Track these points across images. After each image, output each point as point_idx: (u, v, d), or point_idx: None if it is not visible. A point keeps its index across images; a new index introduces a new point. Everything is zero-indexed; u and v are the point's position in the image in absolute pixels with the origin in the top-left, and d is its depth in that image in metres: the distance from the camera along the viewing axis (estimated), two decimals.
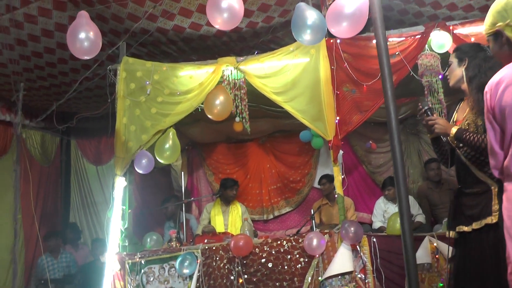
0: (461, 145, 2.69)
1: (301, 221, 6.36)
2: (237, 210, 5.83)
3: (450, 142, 2.76)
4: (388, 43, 4.30)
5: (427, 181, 5.84)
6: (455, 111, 2.90)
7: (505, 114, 1.91)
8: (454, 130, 2.68)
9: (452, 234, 2.79)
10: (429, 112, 2.80)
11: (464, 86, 2.78)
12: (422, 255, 4.01)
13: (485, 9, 4.66)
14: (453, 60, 2.85)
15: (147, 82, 4.63)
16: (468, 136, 2.60)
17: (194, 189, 6.85)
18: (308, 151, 6.52)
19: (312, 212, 4.84)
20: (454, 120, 2.85)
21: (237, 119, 4.61)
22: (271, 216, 6.62)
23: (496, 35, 2.02)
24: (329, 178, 5.81)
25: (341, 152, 4.49)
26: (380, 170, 6.38)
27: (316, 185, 6.47)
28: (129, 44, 4.95)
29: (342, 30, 3.14)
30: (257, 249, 4.33)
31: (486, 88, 2.02)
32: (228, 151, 6.86)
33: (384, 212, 5.56)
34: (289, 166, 6.66)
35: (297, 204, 6.55)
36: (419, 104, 2.86)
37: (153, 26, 4.71)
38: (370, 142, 5.57)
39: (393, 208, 5.48)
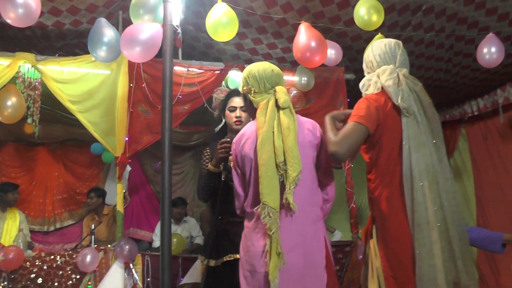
0: None
1: (81, 235, 6.14)
2: (14, 218, 5.41)
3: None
4: (188, 73, 4.62)
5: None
6: None
7: (244, 161, 2.35)
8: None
9: (213, 263, 2.96)
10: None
11: None
12: (192, 275, 4.22)
13: (282, 60, 5.22)
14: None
15: None
16: None
17: None
18: (98, 164, 6.42)
19: (93, 227, 4.74)
20: None
21: (29, 120, 4.34)
22: (52, 228, 6.31)
23: (245, 95, 2.47)
24: (98, 192, 5.78)
25: (128, 168, 4.52)
26: None
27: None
28: None
29: (135, 54, 3.22)
30: (28, 263, 4.06)
31: (234, 140, 2.46)
32: (15, 153, 6.38)
33: None
34: (77, 177, 6.47)
35: (80, 217, 6.36)
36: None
37: None
38: (160, 163, 5.70)
39: (175, 229, 5.66)
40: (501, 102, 5.74)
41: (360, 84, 2.43)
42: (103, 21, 3.39)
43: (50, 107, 4.85)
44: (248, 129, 2.43)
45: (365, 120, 2.20)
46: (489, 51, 4.26)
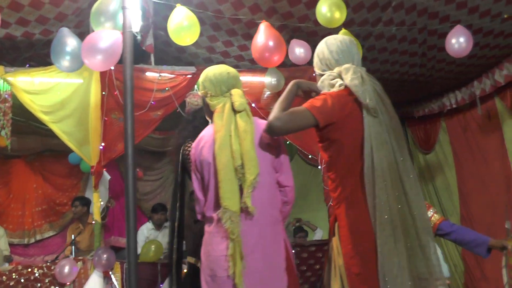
0: None
1: (63, 246, 6.12)
2: None
3: None
4: (160, 78, 4.61)
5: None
6: None
7: (203, 166, 2.33)
8: None
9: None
10: None
11: None
12: None
13: (254, 61, 5.23)
14: None
15: None
16: None
17: None
18: (77, 173, 6.41)
19: (73, 237, 4.72)
20: None
21: (2, 132, 4.33)
22: (32, 240, 6.31)
23: (203, 97, 2.47)
24: (82, 201, 5.77)
25: (108, 177, 4.51)
26: (147, 198, 6.58)
27: None
28: None
29: (96, 62, 3.21)
30: (4, 277, 4.04)
31: (193, 144, 2.44)
32: None
33: (146, 238, 5.68)
34: (57, 188, 6.46)
35: (61, 228, 6.35)
36: None
37: None
38: (138, 169, 5.71)
39: (156, 235, 5.65)
40: (478, 93, 5.77)
41: (319, 83, 2.37)
42: (65, 30, 3.38)
43: (23, 118, 4.83)
44: (206, 133, 2.41)
45: (317, 111, 2.16)
46: (458, 41, 4.29)
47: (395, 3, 4.51)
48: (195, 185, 2.43)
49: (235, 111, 2.34)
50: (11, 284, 4.03)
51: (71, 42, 3.34)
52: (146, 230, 5.79)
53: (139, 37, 2.91)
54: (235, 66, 5.22)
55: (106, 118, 4.45)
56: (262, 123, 2.37)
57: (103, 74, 4.49)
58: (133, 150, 2.53)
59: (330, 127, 2.19)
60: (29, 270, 4.10)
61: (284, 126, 2.17)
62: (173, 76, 4.72)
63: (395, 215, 2.07)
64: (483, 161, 5.99)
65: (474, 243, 3.24)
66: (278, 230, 2.32)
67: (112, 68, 4.54)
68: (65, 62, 3.33)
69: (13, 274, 4.06)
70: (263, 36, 4.04)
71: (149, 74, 4.64)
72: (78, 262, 4.17)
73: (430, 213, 3.34)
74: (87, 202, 5.92)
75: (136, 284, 2.43)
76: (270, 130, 2.20)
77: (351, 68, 2.27)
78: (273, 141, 2.36)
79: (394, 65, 5.50)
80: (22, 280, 4.05)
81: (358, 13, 4.57)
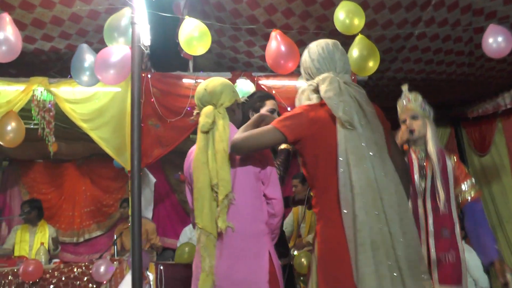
0: None
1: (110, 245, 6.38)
2: (44, 232, 5.68)
3: None
4: (196, 84, 4.68)
5: None
6: None
7: (192, 179, 2.36)
8: None
9: None
10: None
11: None
12: None
13: None
14: None
15: None
16: None
17: (6, 207, 6.56)
18: (123, 176, 6.57)
19: (115, 237, 4.91)
20: None
21: (47, 140, 4.57)
22: (81, 239, 6.61)
23: None
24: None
25: (153, 180, 4.65)
26: None
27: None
28: None
29: (109, 77, 3.31)
30: (47, 274, 4.28)
31: (186, 157, 2.52)
32: (45, 170, 6.76)
33: (189, 239, 5.79)
34: (103, 190, 6.73)
35: (108, 228, 6.62)
36: None
37: None
38: (179, 173, 5.83)
39: (193, 234, 5.75)
40: None
41: (298, 95, 2.28)
42: (84, 46, 3.52)
43: (69, 126, 5.07)
44: (195, 146, 2.45)
45: (286, 128, 2.09)
46: (496, 41, 4.02)
47: (435, 1, 4.32)
48: (188, 196, 2.49)
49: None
50: (53, 281, 4.25)
51: (89, 58, 3.48)
52: (189, 232, 5.92)
53: (148, 51, 2.97)
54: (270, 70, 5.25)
55: (142, 125, 4.56)
56: None
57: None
58: (139, 160, 2.61)
59: (302, 142, 2.12)
60: (69, 268, 4.30)
61: (245, 147, 2.14)
62: None
63: (377, 236, 1.93)
64: None
65: (480, 250, 3.05)
66: (262, 243, 2.28)
67: (149, 76, 4.71)
68: (85, 77, 3.47)
69: (55, 272, 4.28)
70: (276, 43, 3.99)
71: (185, 80, 4.72)
72: (114, 262, 4.32)
73: (465, 185, 3.06)
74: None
75: (140, 285, 2.49)
76: (232, 148, 2.18)
77: (327, 78, 2.14)
78: (257, 154, 2.33)
79: (440, 65, 5.28)
80: (63, 278, 4.26)
81: (395, 14, 4.42)
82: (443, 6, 4.41)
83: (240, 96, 3.24)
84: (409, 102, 3.20)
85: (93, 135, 4.56)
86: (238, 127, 2.43)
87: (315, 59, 2.23)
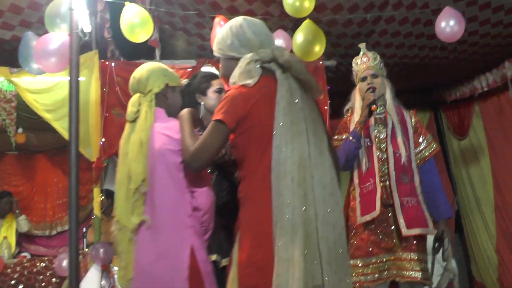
0: None
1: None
2: (10, 226, 5.63)
3: None
4: None
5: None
6: None
7: None
8: None
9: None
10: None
11: None
12: None
13: None
14: None
15: None
16: None
17: None
18: None
19: (84, 230, 4.86)
20: None
21: (20, 130, 4.51)
22: (54, 232, 6.54)
23: None
24: (107, 193, 5.88)
25: None
26: None
27: None
28: None
29: (50, 65, 3.23)
30: (9, 269, 4.24)
31: None
32: (17, 162, 6.67)
33: None
34: None
35: (81, 220, 6.52)
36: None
37: None
38: None
39: None
40: (510, 75, 5.36)
41: (237, 70, 2.08)
42: (29, 34, 3.44)
43: (36, 117, 4.97)
44: None
45: (225, 115, 1.97)
46: (448, 24, 3.97)
47: None
48: None
49: None
50: (14, 276, 4.20)
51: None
52: None
53: (87, 38, 2.87)
54: None
55: (107, 114, 4.50)
56: (165, 127, 2.26)
57: (103, 71, 4.52)
58: (77, 151, 2.54)
59: (239, 124, 1.99)
60: (32, 263, 4.26)
61: (204, 162, 2.04)
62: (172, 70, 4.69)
63: (297, 218, 1.81)
64: None
65: (437, 206, 3.16)
66: (184, 236, 2.17)
67: (113, 64, 4.61)
68: (34, 65, 3.39)
69: (18, 267, 4.24)
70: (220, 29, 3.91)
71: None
72: (79, 256, 4.27)
73: (424, 140, 3.25)
74: (110, 195, 6.05)
75: (76, 280, 2.44)
76: (191, 168, 2.10)
77: (284, 49, 2.11)
78: (176, 145, 2.20)
79: (411, 49, 5.20)
80: (26, 273, 4.22)
81: None
82: None
83: None
84: (369, 60, 3.29)
85: (57, 125, 4.48)
86: (176, 112, 2.35)
87: (258, 32, 2.13)
